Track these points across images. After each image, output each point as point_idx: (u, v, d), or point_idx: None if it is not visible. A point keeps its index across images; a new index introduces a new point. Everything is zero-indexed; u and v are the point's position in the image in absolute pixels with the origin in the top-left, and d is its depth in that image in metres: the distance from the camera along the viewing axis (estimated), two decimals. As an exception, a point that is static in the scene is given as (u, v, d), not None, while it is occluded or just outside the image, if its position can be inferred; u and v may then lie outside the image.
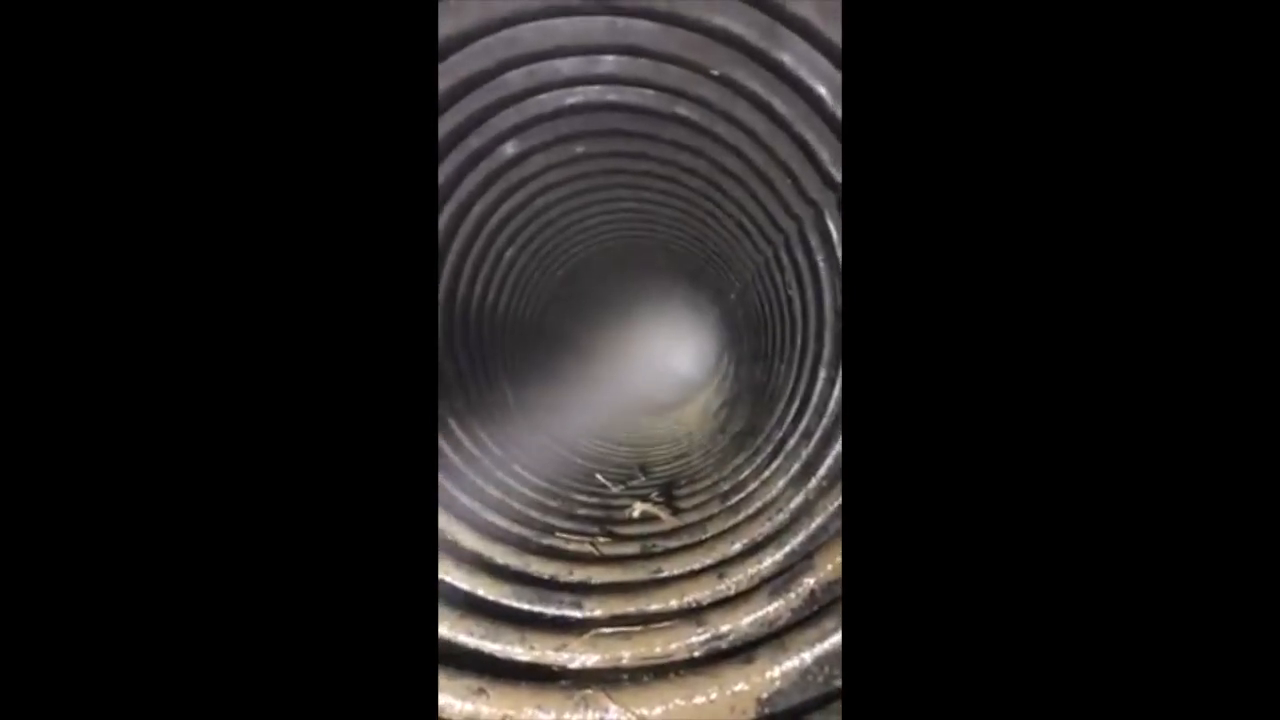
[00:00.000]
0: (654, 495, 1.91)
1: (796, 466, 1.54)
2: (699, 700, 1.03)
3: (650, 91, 1.63)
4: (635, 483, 2.13)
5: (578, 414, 2.69)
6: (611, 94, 1.66)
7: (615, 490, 2.04)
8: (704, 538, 1.52)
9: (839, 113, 1.35)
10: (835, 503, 1.31)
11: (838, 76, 1.31)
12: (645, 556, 1.50)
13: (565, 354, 3.11)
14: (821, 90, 1.35)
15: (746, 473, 1.76)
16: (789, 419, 1.74)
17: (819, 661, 1.02)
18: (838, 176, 1.44)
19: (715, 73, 1.45)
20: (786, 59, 1.33)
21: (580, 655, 1.15)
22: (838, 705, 0.97)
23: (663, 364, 4.16)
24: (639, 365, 3.98)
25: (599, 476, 2.11)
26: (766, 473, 1.63)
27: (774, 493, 1.54)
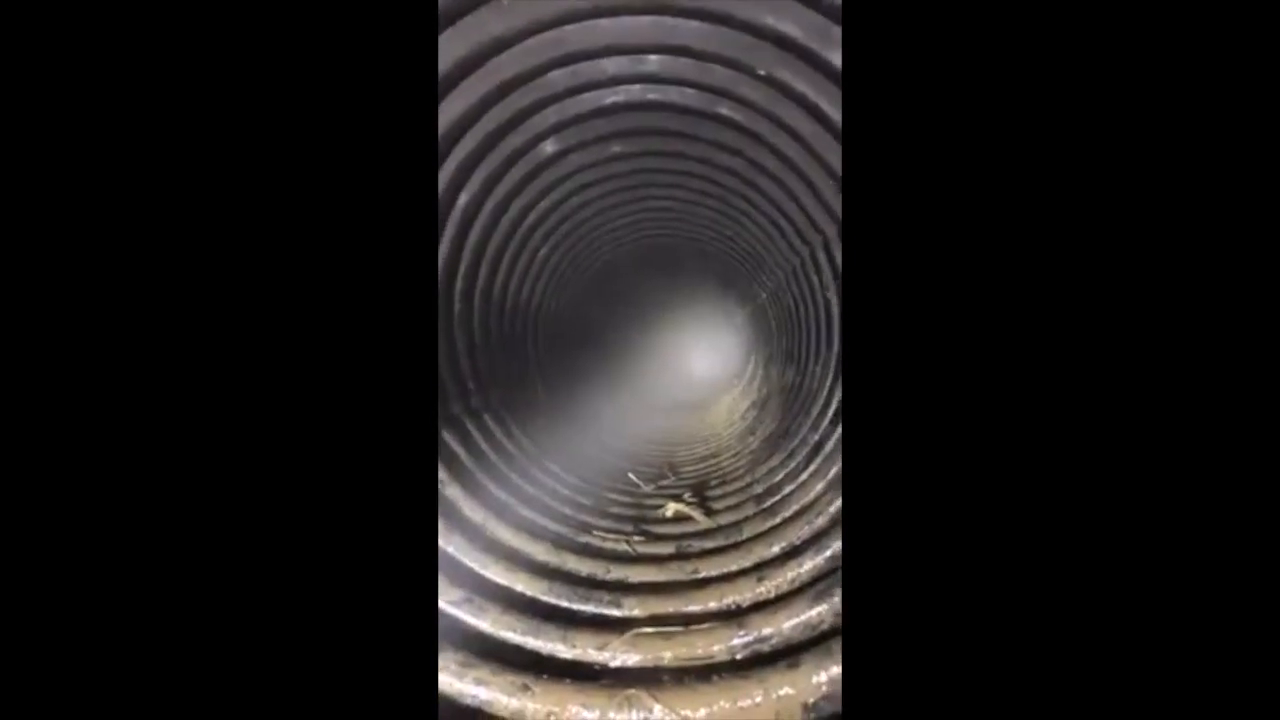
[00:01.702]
0: (686, 495, 1.90)
1: (835, 470, 1.53)
2: (743, 704, 1.02)
3: (692, 91, 1.62)
4: (666, 482, 2.13)
5: (605, 410, 2.70)
6: (652, 93, 1.65)
7: (647, 489, 2.04)
8: (740, 539, 1.52)
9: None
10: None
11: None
12: (681, 557, 1.50)
13: (594, 351, 3.12)
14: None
15: (781, 475, 1.76)
16: (825, 422, 1.73)
17: (865, 668, 1.01)
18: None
19: (761, 73, 1.45)
20: (840, 60, 1.32)
21: (621, 654, 1.15)
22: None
23: (688, 364, 4.16)
24: (664, 364, 3.98)
25: (631, 475, 2.11)
26: (803, 476, 1.63)
27: (811, 496, 1.53)
